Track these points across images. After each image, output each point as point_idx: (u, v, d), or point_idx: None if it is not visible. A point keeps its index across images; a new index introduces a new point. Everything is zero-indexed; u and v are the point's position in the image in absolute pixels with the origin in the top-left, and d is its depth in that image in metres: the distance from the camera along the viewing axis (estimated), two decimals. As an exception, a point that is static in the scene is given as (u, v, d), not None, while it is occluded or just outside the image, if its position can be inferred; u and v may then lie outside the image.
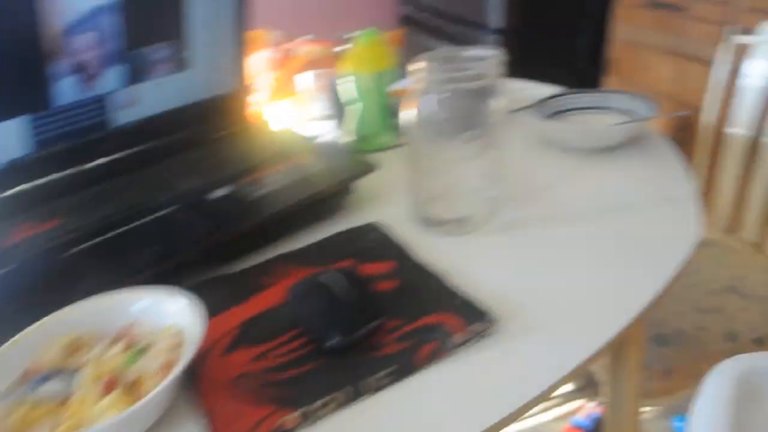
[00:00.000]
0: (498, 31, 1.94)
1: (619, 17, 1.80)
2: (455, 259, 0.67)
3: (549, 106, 0.99)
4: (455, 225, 0.72)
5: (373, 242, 0.71)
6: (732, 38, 1.32)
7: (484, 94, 0.67)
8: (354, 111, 0.96)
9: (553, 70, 2.01)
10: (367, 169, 0.80)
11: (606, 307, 0.58)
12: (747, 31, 1.32)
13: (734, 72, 1.33)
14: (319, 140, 0.97)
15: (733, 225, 1.34)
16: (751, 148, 1.28)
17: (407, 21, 2.49)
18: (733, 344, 1.03)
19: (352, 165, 0.81)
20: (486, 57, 0.68)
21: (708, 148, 1.40)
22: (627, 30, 1.78)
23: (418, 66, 0.67)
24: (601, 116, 0.97)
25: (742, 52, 1.32)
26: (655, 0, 1.65)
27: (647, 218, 0.73)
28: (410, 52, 2.50)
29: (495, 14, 1.91)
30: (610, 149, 0.89)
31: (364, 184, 0.80)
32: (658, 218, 0.72)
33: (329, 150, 0.89)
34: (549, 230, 0.71)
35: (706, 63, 1.52)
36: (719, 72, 1.35)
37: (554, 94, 1.01)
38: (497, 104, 0.68)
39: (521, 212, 0.75)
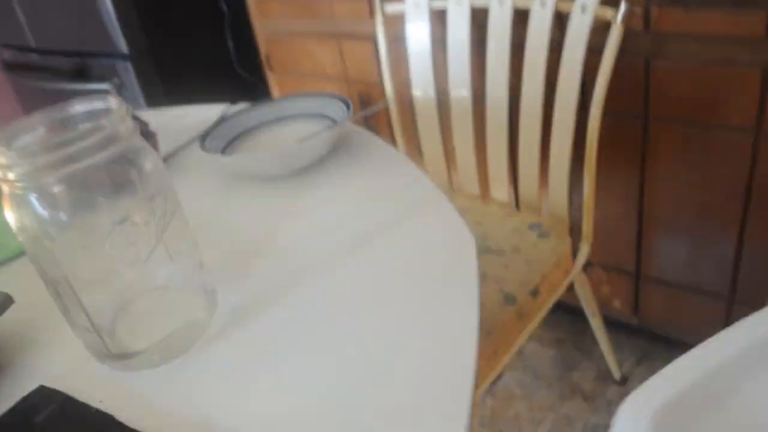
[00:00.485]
0: (129, 56, 1.63)
1: (257, 13, 1.65)
2: (175, 406, 0.42)
3: (226, 130, 0.77)
4: (158, 350, 0.46)
5: (51, 422, 0.42)
6: (382, 8, 1.24)
7: (122, 160, 0.42)
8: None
9: (212, 83, 1.78)
10: (4, 301, 0.49)
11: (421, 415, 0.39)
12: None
13: (396, 40, 1.26)
14: None
15: (454, 183, 1.30)
16: (440, 105, 1.24)
17: (11, 68, 2.02)
18: (515, 305, 0.96)
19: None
20: (101, 110, 0.43)
21: (402, 118, 1.33)
22: (271, 24, 1.63)
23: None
24: (294, 126, 0.78)
25: (398, 20, 1.25)
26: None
27: (408, 234, 0.56)
28: (25, 103, 2.04)
29: (119, 37, 1.60)
30: (317, 163, 0.71)
31: (8, 324, 0.50)
32: (419, 228, 0.56)
33: None
34: (296, 303, 0.50)
35: (362, 38, 1.44)
36: (381, 44, 1.27)
37: (225, 115, 0.79)
38: (150, 162, 0.44)
39: (246, 291, 0.52)
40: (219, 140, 0.75)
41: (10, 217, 0.41)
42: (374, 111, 1.49)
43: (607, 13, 0.95)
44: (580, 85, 1.01)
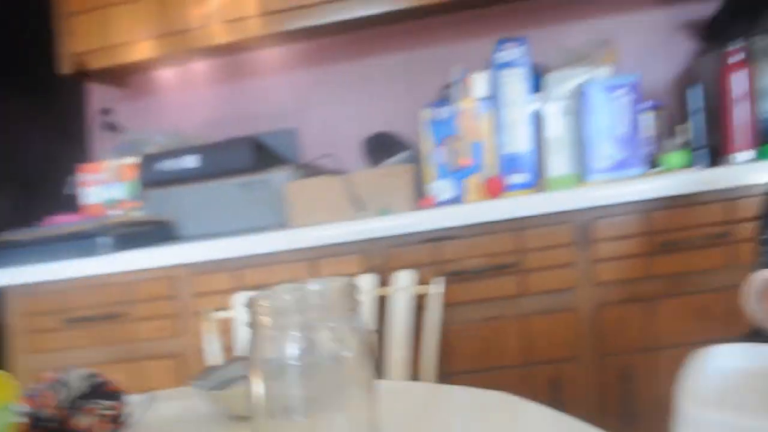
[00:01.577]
0: None
1: (16, 349, 1.53)
2: None
3: (217, 375, 0.79)
4: None
5: None
6: (211, 317, 1.35)
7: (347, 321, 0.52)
8: None
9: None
10: None
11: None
12: (220, 309, 1.38)
13: (229, 344, 1.36)
14: None
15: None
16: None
17: None
18: None
19: None
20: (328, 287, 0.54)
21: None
22: (38, 358, 1.52)
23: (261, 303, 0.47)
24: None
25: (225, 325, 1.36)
26: (86, 316, 1.50)
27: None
28: None
29: None
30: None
31: None
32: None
33: None
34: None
35: (162, 356, 1.48)
36: (213, 348, 1.33)
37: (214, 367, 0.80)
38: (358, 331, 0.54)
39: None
40: (212, 381, 0.76)
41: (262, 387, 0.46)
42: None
43: (423, 288, 1.28)
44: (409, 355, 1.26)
